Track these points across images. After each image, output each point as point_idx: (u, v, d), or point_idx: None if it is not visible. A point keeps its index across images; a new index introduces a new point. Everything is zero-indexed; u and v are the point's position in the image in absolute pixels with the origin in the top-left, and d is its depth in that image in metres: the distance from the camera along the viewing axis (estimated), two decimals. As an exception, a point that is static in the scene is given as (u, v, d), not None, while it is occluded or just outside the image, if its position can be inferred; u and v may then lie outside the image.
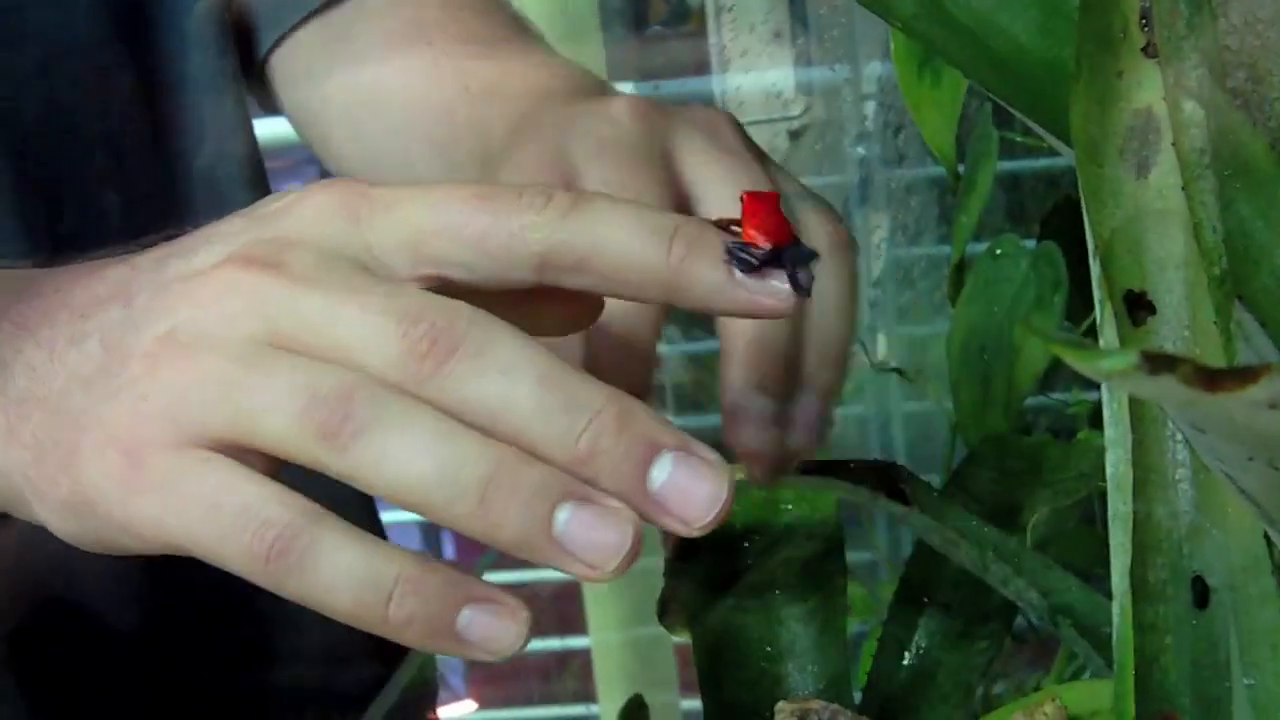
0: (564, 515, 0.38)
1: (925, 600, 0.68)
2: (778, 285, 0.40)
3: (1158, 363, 0.27)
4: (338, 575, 0.39)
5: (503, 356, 0.39)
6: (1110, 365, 0.27)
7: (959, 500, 0.68)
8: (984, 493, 0.70)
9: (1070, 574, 0.60)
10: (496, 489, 0.38)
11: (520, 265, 0.41)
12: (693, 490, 0.38)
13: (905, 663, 0.66)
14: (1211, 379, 0.27)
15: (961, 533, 0.59)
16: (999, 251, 0.83)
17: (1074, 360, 0.28)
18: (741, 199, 0.42)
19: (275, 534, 0.39)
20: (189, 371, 0.40)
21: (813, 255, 0.41)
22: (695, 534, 0.38)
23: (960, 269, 0.90)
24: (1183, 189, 0.47)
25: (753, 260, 0.40)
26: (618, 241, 0.41)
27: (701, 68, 1.53)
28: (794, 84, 1.53)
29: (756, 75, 1.49)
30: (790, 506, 0.69)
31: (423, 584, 0.39)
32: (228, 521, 0.39)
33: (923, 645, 0.66)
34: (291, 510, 0.39)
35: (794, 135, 1.52)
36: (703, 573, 0.68)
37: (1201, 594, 0.47)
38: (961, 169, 0.93)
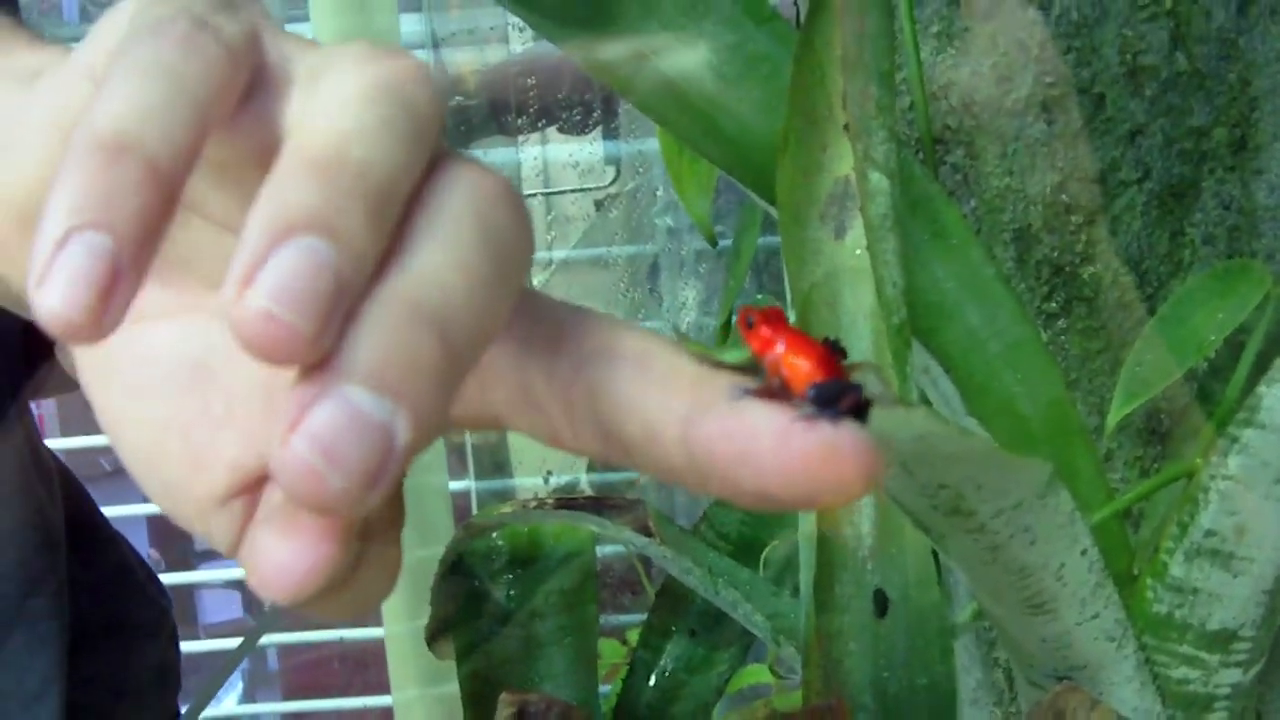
0: None
1: (673, 629, 0.73)
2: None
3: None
4: None
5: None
6: (729, 358, 0.32)
7: (707, 537, 0.75)
8: (732, 532, 0.76)
9: (798, 599, 0.66)
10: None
11: None
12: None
13: (651, 684, 0.72)
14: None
15: (697, 562, 0.65)
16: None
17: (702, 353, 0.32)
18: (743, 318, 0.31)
19: None
20: None
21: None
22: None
23: (727, 329, 0.96)
24: (867, 248, 0.54)
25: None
26: None
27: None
28: (602, 155, 1.59)
29: (559, 145, 1.55)
30: (552, 540, 0.74)
31: None
32: None
33: (669, 669, 0.72)
34: None
35: (599, 204, 1.58)
36: (469, 602, 0.73)
37: (882, 605, 0.53)
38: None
